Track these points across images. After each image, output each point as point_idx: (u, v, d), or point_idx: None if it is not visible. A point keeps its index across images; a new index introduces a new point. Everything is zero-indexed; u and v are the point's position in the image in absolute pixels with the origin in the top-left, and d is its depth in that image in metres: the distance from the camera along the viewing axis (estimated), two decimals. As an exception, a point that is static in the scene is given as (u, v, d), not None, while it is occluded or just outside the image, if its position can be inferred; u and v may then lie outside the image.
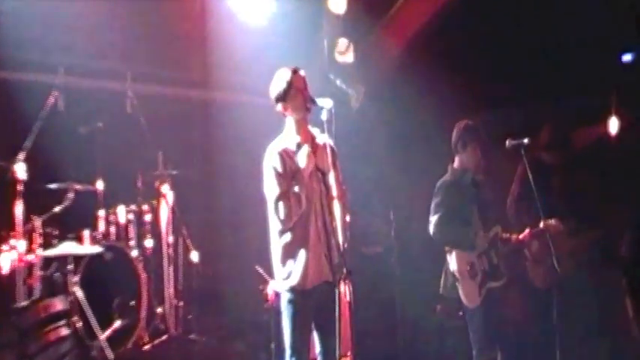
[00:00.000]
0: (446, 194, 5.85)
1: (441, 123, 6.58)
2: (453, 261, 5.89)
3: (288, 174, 4.79)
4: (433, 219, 5.85)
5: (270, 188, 4.80)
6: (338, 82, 7.77)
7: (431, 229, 5.87)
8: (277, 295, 5.17)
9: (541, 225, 5.76)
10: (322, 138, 4.88)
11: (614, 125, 6.98)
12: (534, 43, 7.14)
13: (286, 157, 4.83)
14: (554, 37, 7.07)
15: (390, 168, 7.76)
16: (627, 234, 6.14)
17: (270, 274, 5.21)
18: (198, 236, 7.44)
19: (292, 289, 4.81)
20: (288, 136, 4.92)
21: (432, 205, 5.89)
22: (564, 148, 6.19)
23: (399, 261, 7.36)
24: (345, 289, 4.62)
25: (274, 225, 4.84)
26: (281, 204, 4.72)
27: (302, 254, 4.77)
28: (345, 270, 4.59)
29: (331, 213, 4.73)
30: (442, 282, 6.00)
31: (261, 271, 6.46)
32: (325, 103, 4.69)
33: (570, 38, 6.99)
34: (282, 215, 4.72)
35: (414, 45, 7.76)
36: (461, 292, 5.83)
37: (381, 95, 7.79)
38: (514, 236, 5.91)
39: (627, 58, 7.10)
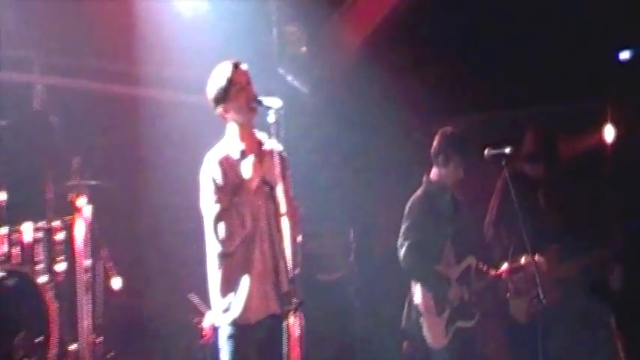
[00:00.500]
0: (419, 216, 5.88)
1: (409, 128, 6.55)
2: (417, 292, 5.90)
3: (230, 187, 4.72)
4: (403, 246, 5.84)
5: (209, 204, 4.72)
6: (289, 78, 7.68)
7: (400, 257, 5.87)
8: (215, 329, 5.11)
9: (522, 261, 5.81)
10: (270, 144, 4.84)
11: (609, 133, 7.07)
12: (518, 40, 7.19)
13: (228, 167, 4.76)
14: (540, 31, 7.15)
15: (349, 179, 7.76)
16: (617, 265, 6.17)
17: (207, 305, 5.14)
18: (122, 259, 7.31)
19: (233, 323, 4.73)
20: (230, 143, 4.86)
21: (403, 228, 5.90)
22: (550, 159, 6.22)
23: (360, 290, 7.39)
24: (294, 323, 4.57)
25: (213, 247, 4.76)
26: (221, 223, 4.64)
27: (245, 282, 4.71)
28: (295, 300, 4.55)
29: (280, 233, 4.67)
30: (405, 314, 6.00)
31: (196, 300, 6.43)
32: (273, 103, 4.64)
33: (559, 33, 7.09)
34: (222, 236, 4.64)
35: (378, 36, 7.73)
36: (425, 329, 5.85)
37: (339, 94, 7.75)
38: (491, 271, 5.94)
39: (625, 55, 7.18)
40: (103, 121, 7.78)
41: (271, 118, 4.63)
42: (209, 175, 4.75)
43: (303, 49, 7.67)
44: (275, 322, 4.66)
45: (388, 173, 7.62)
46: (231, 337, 4.74)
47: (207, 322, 6.34)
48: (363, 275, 7.42)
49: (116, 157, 7.82)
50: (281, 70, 7.63)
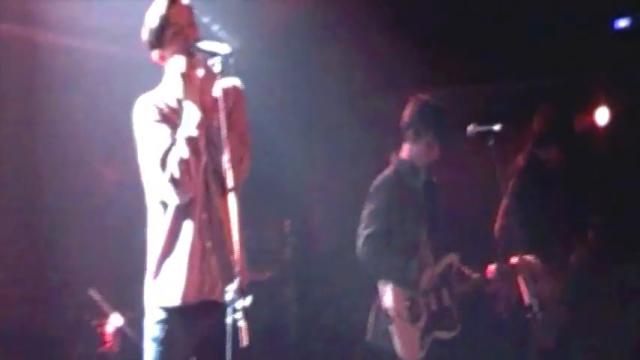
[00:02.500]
0: (387, 199, 5.59)
1: (371, 96, 5.99)
2: (387, 294, 5.57)
3: (174, 128, 4.27)
4: (363, 234, 5.55)
5: (151, 145, 4.23)
6: (215, 27, 7.02)
7: (359, 248, 5.57)
8: (118, 333, 5.10)
9: (514, 260, 5.61)
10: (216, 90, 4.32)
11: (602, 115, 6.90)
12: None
13: (168, 110, 4.33)
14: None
15: (292, 158, 7.30)
16: None
17: (111, 304, 4.91)
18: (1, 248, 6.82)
19: (166, 306, 4.30)
20: (165, 91, 4.41)
21: (364, 214, 5.61)
22: (566, 140, 5.89)
23: (299, 292, 7.00)
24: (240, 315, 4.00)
25: (157, 206, 4.33)
26: (173, 160, 4.17)
27: (185, 255, 4.30)
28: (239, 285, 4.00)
29: (225, 203, 4.18)
30: (370, 323, 5.65)
31: (97, 297, 6.08)
32: (219, 49, 4.16)
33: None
34: (177, 174, 4.17)
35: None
36: (395, 339, 5.50)
37: (282, 51, 7.15)
38: (474, 273, 5.70)
39: (623, 24, 6.94)
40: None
41: (217, 67, 4.13)
42: (148, 116, 4.28)
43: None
44: (217, 310, 4.14)
45: (339, 152, 7.03)
46: (161, 321, 4.30)
47: (110, 325, 6.05)
48: (303, 274, 7.04)
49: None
50: (206, 20, 6.90)
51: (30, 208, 6.99)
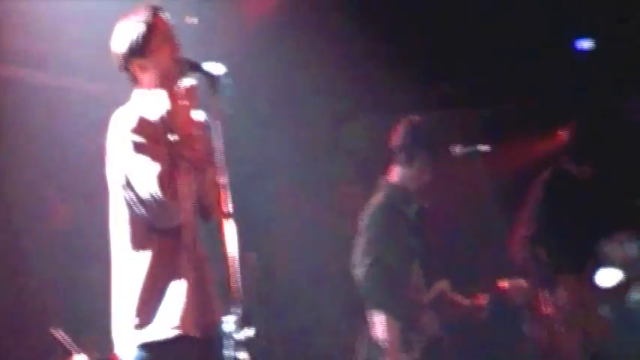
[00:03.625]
0: (383, 227, 5.46)
1: (347, 122, 5.94)
2: (379, 325, 5.43)
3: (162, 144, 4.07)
4: (364, 263, 5.41)
5: (142, 165, 3.98)
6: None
7: (360, 279, 5.43)
8: None
9: (502, 285, 5.63)
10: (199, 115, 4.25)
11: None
12: (474, 30, 6.82)
13: (155, 127, 4.09)
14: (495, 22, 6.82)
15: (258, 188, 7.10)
16: None
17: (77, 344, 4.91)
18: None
19: (153, 343, 4.02)
20: (142, 108, 4.15)
21: (362, 243, 5.46)
22: (598, 157, 6.00)
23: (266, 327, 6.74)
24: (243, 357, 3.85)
25: (134, 233, 4.07)
26: (170, 180, 3.95)
27: (180, 285, 4.07)
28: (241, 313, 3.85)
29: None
30: (359, 354, 5.58)
31: (61, 337, 5.58)
32: (214, 68, 4.01)
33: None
34: (173, 194, 3.96)
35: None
36: None
37: (246, 75, 6.92)
38: (465, 300, 5.65)
39: (584, 45, 7.06)
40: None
41: (213, 89, 3.96)
42: (135, 132, 4.00)
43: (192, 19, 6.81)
44: (211, 342, 4.02)
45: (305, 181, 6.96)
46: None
47: None
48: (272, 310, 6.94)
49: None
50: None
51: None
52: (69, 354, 5.76)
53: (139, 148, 4.02)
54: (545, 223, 5.82)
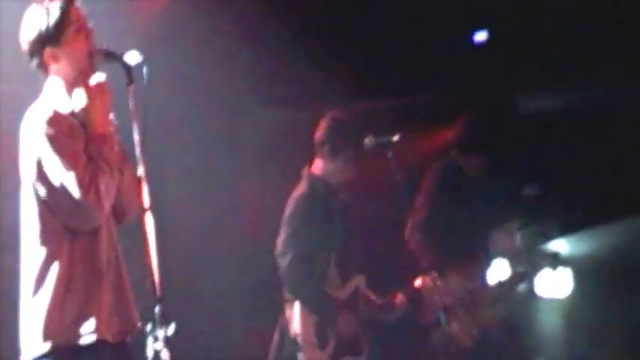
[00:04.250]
0: (305, 220, 5.45)
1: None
2: (296, 318, 5.43)
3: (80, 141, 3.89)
4: (286, 256, 5.38)
5: (60, 165, 3.81)
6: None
7: (283, 270, 5.40)
8: None
9: (417, 283, 5.64)
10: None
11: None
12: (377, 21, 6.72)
13: (70, 124, 3.91)
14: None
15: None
16: None
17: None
18: None
19: (64, 350, 3.83)
20: (54, 100, 3.97)
21: (285, 234, 5.44)
22: (486, 150, 6.03)
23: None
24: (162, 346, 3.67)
25: (48, 234, 3.88)
26: (91, 179, 3.80)
27: (93, 287, 3.92)
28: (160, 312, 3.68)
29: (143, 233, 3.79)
30: (275, 348, 5.54)
31: None
32: (130, 58, 3.87)
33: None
34: (95, 194, 3.79)
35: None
36: None
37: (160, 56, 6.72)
38: (380, 298, 5.64)
39: (481, 37, 7.03)
40: None
41: (129, 79, 3.84)
42: (50, 130, 3.83)
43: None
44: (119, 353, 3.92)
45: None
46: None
47: None
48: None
49: None
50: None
51: None
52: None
53: (55, 143, 3.84)
54: (437, 212, 5.86)
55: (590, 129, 6.77)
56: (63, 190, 3.79)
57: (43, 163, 3.83)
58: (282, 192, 5.72)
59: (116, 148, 3.97)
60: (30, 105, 4.01)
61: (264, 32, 6.34)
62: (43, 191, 3.85)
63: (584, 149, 6.79)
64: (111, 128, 4.01)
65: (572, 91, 7.02)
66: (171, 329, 3.70)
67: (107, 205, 3.89)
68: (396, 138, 5.27)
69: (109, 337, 3.92)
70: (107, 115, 4.00)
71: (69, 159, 3.81)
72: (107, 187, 3.86)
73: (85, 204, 3.78)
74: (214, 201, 6.72)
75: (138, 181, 3.87)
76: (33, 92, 4.04)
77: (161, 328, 3.68)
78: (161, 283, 3.75)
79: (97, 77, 3.98)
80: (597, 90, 6.93)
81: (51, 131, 3.85)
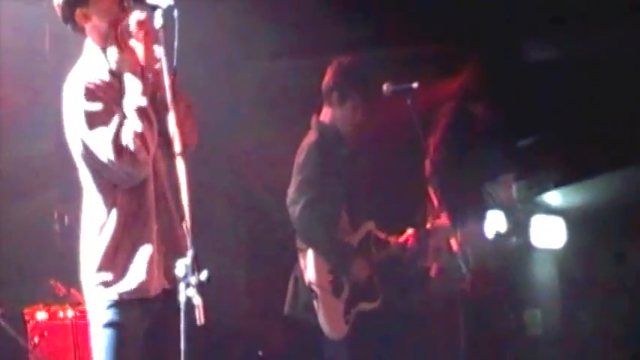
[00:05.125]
0: (316, 167, 5.44)
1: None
2: (310, 266, 5.43)
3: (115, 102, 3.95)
4: (298, 203, 5.36)
5: (97, 125, 3.90)
6: None
7: (296, 216, 5.38)
8: None
9: (428, 225, 5.65)
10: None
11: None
12: None
13: (103, 85, 3.98)
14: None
15: None
16: None
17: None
18: None
19: (122, 302, 3.98)
20: (93, 62, 4.05)
21: (297, 181, 5.44)
22: (492, 97, 6.10)
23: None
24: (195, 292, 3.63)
25: (103, 192, 4.00)
26: (127, 136, 3.87)
27: (147, 242, 4.02)
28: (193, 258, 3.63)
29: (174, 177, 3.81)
30: (290, 296, 5.54)
31: None
32: (160, 0, 3.83)
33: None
34: (134, 150, 3.87)
35: None
36: (320, 315, 5.38)
37: None
38: (392, 238, 5.65)
39: None
40: None
41: (158, 21, 3.80)
42: (84, 93, 3.91)
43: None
44: (169, 300, 3.86)
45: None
46: (116, 323, 3.99)
47: None
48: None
49: None
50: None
51: None
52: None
53: (83, 113, 3.92)
54: (449, 153, 5.90)
55: (589, 79, 6.80)
56: (99, 152, 3.90)
57: (74, 130, 3.95)
58: (291, 142, 5.71)
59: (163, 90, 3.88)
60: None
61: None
62: (89, 160, 3.96)
63: (582, 100, 6.82)
64: (157, 67, 3.98)
65: (573, 41, 7.02)
66: (204, 275, 3.63)
67: (145, 158, 3.93)
68: (415, 85, 5.29)
69: (159, 289, 4.03)
70: (151, 53, 3.99)
71: (102, 122, 3.90)
72: (144, 140, 3.91)
73: (124, 160, 3.87)
74: (223, 154, 6.69)
75: (189, 113, 4.03)
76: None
77: (193, 275, 3.63)
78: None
79: (136, 17, 3.99)
80: (598, 41, 6.94)
81: (76, 96, 3.93)
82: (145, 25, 3.99)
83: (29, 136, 6.40)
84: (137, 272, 4.02)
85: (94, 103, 3.93)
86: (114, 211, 4.01)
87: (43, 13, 6.52)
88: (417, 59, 6.56)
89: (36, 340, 5.61)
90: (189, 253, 3.66)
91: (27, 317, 5.68)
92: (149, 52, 4.02)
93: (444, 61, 6.43)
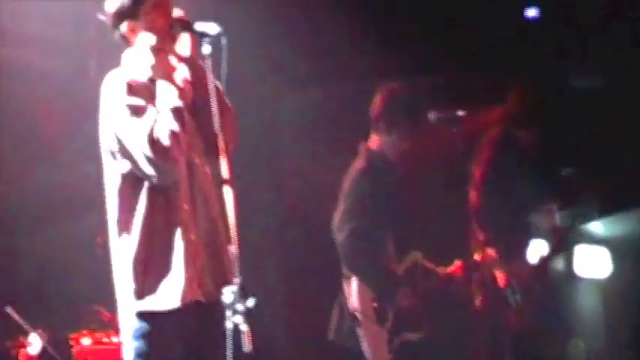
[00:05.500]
0: (364, 195, 5.46)
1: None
2: (354, 293, 5.45)
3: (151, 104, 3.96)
4: (343, 230, 5.39)
5: (132, 123, 3.92)
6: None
7: (340, 243, 5.41)
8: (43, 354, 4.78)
9: (476, 256, 5.59)
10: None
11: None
12: None
13: (142, 87, 4.00)
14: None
15: None
16: None
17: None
18: None
19: (150, 313, 3.93)
20: (132, 69, 4.08)
21: (344, 208, 5.46)
22: (542, 122, 6.03)
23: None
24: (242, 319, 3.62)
25: (126, 195, 4.01)
26: (162, 134, 3.86)
27: (177, 250, 3.98)
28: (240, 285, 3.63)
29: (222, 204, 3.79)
30: (334, 322, 5.57)
31: (13, 313, 5.63)
32: (208, 28, 3.88)
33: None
34: (168, 146, 3.84)
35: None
36: (364, 342, 5.41)
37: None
38: (440, 268, 5.66)
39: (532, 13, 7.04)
40: None
41: (206, 49, 3.84)
42: (122, 92, 3.95)
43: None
44: (202, 315, 3.95)
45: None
46: (147, 334, 3.95)
47: (32, 347, 5.56)
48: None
49: None
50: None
51: None
52: (24, 333, 5.67)
53: (120, 112, 3.94)
54: (495, 183, 5.86)
55: (635, 107, 6.76)
56: (132, 149, 3.90)
57: (118, 131, 3.94)
58: (339, 168, 5.75)
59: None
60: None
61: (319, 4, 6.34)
62: (124, 158, 3.95)
63: (627, 128, 6.78)
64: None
65: (620, 69, 7.00)
66: (251, 302, 3.65)
67: (177, 156, 3.90)
68: (461, 113, 5.28)
69: (199, 298, 3.96)
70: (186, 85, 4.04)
71: (136, 119, 3.90)
72: (177, 139, 3.88)
73: (156, 158, 3.85)
74: (269, 179, 6.72)
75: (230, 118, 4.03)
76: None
77: (240, 301, 3.64)
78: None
79: (183, 42, 4.03)
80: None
81: (114, 95, 3.96)
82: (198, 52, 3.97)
83: (73, 161, 6.45)
84: (166, 282, 3.97)
85: (135, 98, 3.95)
86: (139, 218, 3.98)
87: (90, 39, 6.78)
88: (463, 87, 6.53)
89: (81, 365, 5.65)
90: (237, 280, 3.66)
91: (72, 343, 5.71)
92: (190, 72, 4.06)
93: (489, 89, 6.39)
